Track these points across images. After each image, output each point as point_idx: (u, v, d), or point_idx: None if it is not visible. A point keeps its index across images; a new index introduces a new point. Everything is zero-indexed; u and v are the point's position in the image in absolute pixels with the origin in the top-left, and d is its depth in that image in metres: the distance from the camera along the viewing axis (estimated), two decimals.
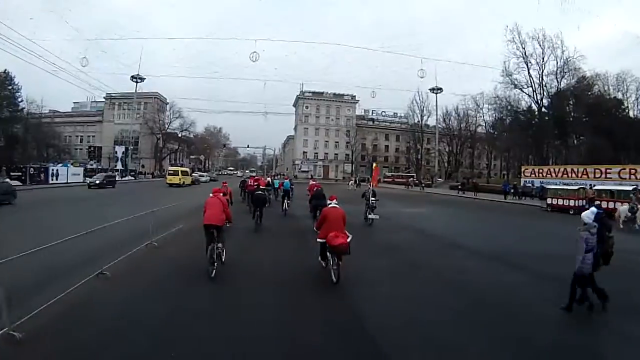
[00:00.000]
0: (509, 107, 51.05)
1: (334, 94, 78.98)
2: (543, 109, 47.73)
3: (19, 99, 46.48)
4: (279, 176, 32.46)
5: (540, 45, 44.97)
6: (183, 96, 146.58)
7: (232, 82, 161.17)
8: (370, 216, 13.12)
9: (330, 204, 6.99)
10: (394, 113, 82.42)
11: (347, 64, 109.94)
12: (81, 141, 66.78)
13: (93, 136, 67.98)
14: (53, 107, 67.11)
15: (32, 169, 29.40)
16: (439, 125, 67.46)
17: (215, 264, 6.20)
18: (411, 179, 57.15)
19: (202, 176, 48.84)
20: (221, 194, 7.13)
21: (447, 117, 67.10)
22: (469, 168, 67.05)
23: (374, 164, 18.50)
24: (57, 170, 31.50)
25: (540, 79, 45.92)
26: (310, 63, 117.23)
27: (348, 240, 6.08)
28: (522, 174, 35.16)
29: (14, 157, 43.37)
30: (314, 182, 16.10)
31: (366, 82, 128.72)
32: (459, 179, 55.75)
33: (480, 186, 35.88)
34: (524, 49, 45.79)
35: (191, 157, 78.61)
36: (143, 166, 65.71)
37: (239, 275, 6.50)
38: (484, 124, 62.45)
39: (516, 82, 47.51)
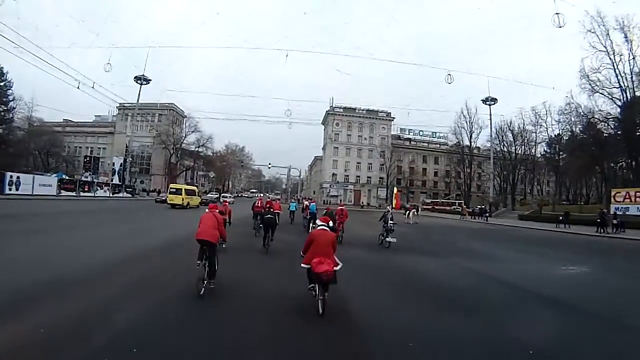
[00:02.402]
0: (587, 117, 40.23)
1: (367, 110, 71.16)
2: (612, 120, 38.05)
3: (10, 97, 40.48)
4: (306, 200, 26.05)
5: (626, 38, 35.34)
6: (206, 111, 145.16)
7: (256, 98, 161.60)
8: (388, 239, 12.52)
9: (320, 225, 5.67)
10: (432, 132, 73.54)
11: (380, 77, 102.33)
12: (91, 152, 61.27)
13: (104, 148, 62.69)
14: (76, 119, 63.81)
15: None
16: (490, 145, 57.25)
17: (205, 281, 5.48)
18: (455, 206, 50.55)
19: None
20: (217, 211, 6.34)
21: (500, 134, 56.61)
22: (518, 193, 57.36)
23: (395, 189, 17.61)
24: (17, 178, 24.36)
25: (632, 78, 35.80)
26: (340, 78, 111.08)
27: (336, 268, 5.04)
28: (613, 199, 30.07)
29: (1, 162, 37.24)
30: (341, 207, 14.68)
31: (401, 98, 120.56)
32: (531, 206, 46.95)
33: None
34: (610, 39, 36.01)
35: (199, 174, 71.93)
36: (142, 182, 59.70)
37: (224, 300, 5.45)
38: (547, 139, 53.29)
39: (596, 85, 37.27)
